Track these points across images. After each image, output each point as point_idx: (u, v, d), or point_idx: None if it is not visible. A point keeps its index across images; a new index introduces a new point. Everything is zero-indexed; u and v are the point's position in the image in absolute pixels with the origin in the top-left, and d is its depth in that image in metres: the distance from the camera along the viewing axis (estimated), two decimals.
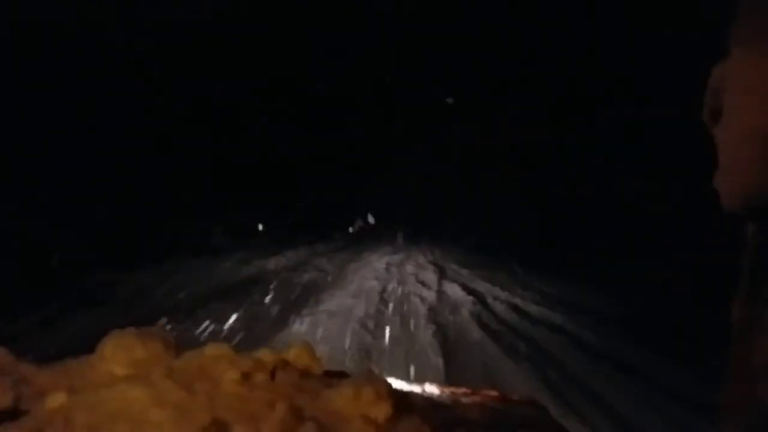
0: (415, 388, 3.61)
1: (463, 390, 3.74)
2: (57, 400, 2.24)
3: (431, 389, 3.71)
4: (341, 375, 3.12)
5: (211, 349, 2.85)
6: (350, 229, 14.49)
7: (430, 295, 11.82)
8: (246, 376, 2.46)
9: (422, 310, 11.06)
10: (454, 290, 12.13)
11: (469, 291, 11.97)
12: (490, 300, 11.69)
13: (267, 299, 11.66)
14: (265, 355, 2.80)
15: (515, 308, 11.15)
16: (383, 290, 12.26)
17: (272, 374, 2.53)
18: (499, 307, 11.14)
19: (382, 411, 2.19)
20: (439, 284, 12.35)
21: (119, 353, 2.66)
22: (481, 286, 12.14)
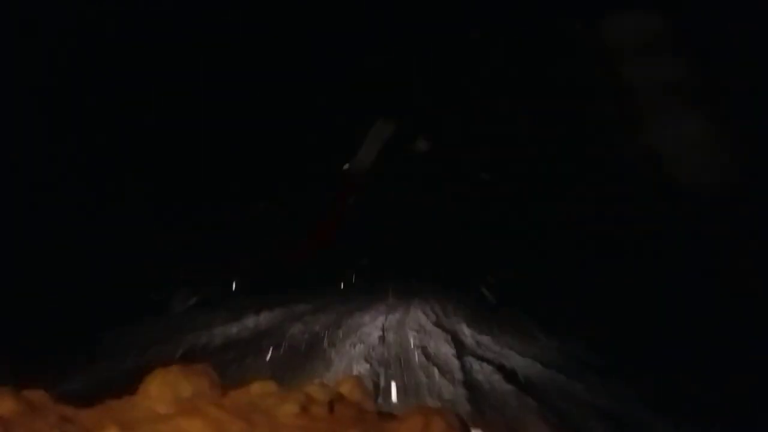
0: None
1: None
2: None
3: None
4: (391, 415, 2.99)
5: (258, 386, 2.74)
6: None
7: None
8: (304, 409, 2.35)
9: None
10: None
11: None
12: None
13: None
14: (315, 390, 2.68)
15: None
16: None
17: (330, 407, 2.42)
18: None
19: None
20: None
21: (165, 391, 2.54)
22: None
